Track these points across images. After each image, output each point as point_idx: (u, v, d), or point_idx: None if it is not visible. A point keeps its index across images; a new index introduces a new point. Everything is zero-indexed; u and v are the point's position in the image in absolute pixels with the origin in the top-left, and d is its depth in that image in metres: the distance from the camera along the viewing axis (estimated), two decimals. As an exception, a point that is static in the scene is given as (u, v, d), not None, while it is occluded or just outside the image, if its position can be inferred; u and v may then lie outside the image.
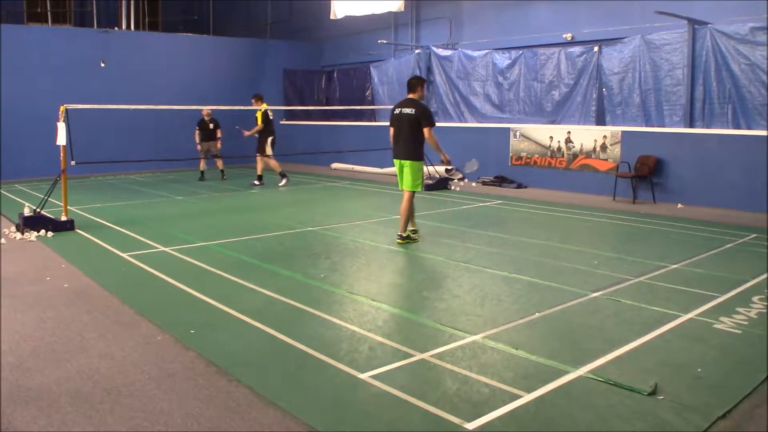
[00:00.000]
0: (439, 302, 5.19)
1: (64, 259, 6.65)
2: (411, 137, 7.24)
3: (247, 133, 13.43)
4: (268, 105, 13.41)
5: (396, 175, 7.65)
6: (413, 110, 7.19)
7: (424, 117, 7.19)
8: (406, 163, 7.35)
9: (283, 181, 13.37)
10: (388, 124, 7.55)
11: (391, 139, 7.46)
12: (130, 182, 14.20)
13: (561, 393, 3.46)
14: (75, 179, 13.07)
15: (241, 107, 14.02)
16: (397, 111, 7.34)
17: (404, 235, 7.42)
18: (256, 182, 13.40)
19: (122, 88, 15.53)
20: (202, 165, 14.57)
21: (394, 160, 7.49)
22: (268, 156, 13.19)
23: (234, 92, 17.35)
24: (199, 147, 14.25)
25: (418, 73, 15.87)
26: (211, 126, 14.26)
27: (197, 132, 14.22)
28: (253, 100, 13.27)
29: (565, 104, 12.91)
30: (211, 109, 14.15)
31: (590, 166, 12.18)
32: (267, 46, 19.44)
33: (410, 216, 7.49)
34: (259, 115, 13.13)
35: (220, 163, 14.68)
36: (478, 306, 5.07)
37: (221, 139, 14.39)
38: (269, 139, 13.14)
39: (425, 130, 7.18)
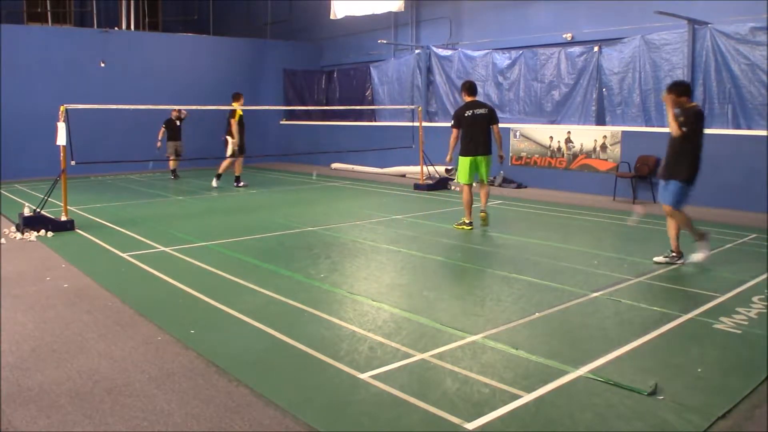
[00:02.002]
0: (439, 302, 5.19)
1: (64, 259, 6.65)
2: (487, 134, 8.16)
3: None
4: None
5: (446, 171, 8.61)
6: (486, 110, 8.18)
7: (495, 116, 8.30)
8: (486, 158, 8.19)
9: (215, 183, 12.92)
10: (451, 125, 8.21)
11: (455, 140, 8.20)
12: (130, 182, 14.20)
13: (561, 393, 3.46)
14: (75, 179, 13.07)
15: (242, 107, 14.00)
16: (469, 113, 8.12)
17: (468, 221, 8.25)
18: (242, 183, 13.05)
19: (122, 88, 15.54)
20: (172, 164, 14.63)
21: (470, 158, 8.13)
22: (234, 157, 12.76)
23: (234, 92, 17.33)
24: (169, 143, 14.24)
25: (418, 73, 15.90)
26: (178, 123, 14.36)
27: (163, 130, 14.21)
28: (240, 102, 12.70)
29: (565, 104, 12.91)
30: (212, 109, 14.15)
31: (590, 166, 12.17)
32: (267, 46, 19.44)
33: (471, 205, 8.27)
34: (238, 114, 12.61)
35: (175, 163, 14.64)
36: (478, 306, 5.07)
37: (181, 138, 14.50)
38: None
39: (495, 127, 8.21)
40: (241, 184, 13.06)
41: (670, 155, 6.34)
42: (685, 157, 6.21)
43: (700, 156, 6.30)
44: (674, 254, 6.42)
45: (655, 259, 6.46)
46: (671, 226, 6.42)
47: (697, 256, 6.33)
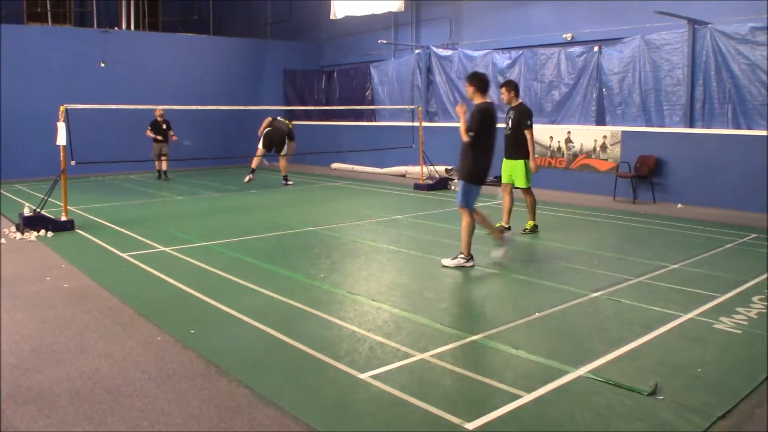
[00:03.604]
0: (439, 302, 5.19)
1: (64, 259, 6.65)
2: None
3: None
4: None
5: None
6: None
7: None
8: None
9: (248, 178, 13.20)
10: (530, 124, 7.87)
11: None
12: (130, 182, 14.21)
13: (561, 393, 3.47)
14: (75, 179, 13.06)
15: (241, 107, 14.01)
16: None
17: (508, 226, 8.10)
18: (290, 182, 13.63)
19: (122, 88, 15.53)
20: (158, 165, 14.53)
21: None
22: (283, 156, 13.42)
23: (234, 92, 17.35)
24: (158, 138, 14.17)
25: (418, 73, 15.91)
26: (164, 126, 14.21)
27: (149, 131, 14.16)
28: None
29: (565, 104, 12.91)
30: (212, 109, 14.13)
31: (590, 166, 12.18)
32: (267, 46, 19.45)
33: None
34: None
35: (164, 164, 14.55)
36: (478, 306, 5.07)
37: (173, 135, 14.39)
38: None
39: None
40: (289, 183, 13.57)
41: (460, 154, 6.31)
42: (467, 156, 6.19)
43: (486, 155, 6.22)
44: (462, 255, 6.31)
45: (443, 261, 6.36)
46: (464, 226, 6.33)
47: (496, 253, 6.37)
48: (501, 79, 13.92)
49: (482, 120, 6.08)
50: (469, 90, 6.27)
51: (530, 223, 8.12)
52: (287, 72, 19.45)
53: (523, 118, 7.77)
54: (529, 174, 7.95)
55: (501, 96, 8.03)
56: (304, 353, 4.02)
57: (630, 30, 11.98)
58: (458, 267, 6.23)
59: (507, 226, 8.09)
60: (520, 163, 7.89)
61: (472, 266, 6.25)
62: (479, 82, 6.21)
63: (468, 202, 6.25)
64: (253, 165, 13.13)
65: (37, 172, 13.51)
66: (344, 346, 4.15)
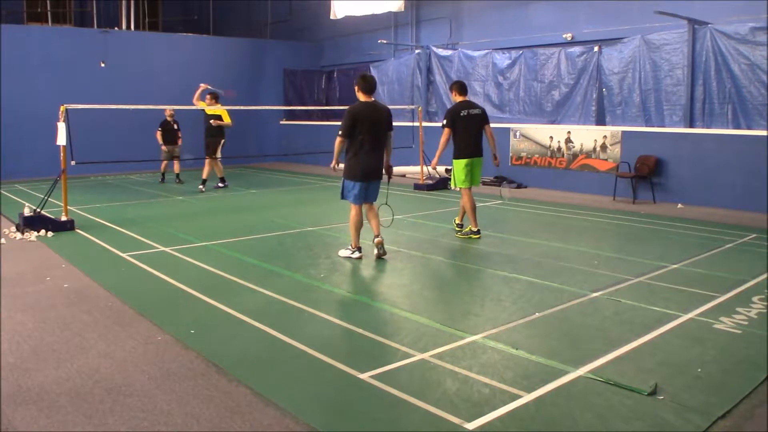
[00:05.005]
0: (439, 302, 5.19)
1: (64, 259, 6.65)
2: (480, 136, 7.79)
3: (217, 122, 12.33)
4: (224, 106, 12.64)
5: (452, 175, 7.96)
6: (479, 111, 7.78)
7: (487, 116, 7.90)
8: (480, 159, 7.83)
9: (221, 185, 12.80)
10: (443, 124, 7.72)
11: (447, 142, 7.73)
12: (130, 182, 14.20)
13: (561, 393, 3.46)
14: (75, 179, 13.06)
15: (242, 107, 13.99)
16: (464, 113, 7.66)
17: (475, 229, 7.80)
18: (221, 184, 12.80)
19: (122, 88, 15.52)
20: (164, 167, 14.12)
21: (466, 160, 7.70)
22: (217, 158, 12.51)
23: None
24: (163, 148, 13.72)
25: (418, 73, 15.90)
26: (175, 127, 13.76)
27: (159, 133, 13.67)
28: (211, 99, 12.32)
29: (565, 104, 12.91)
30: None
31: (590, 166, 12.17)
32: (267, 46, 19.45)
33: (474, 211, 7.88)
34: (225, 114, 12.35)
35: (177, 167, 14.05)
36: (478, 306, 5.07)
37: (181, 139, 13.93)
38: (222, 142, 12.46)
39: (489, 128, 7.83)
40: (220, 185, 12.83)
41: None
42: (347, 154, 6.43)
43: (363, 153, 6.35)
44: (350, 248, 6.66)
45: (340, 252, 6.78)
46: (352, 221, 6.63)
47: (343, 251, 6.69)
48: (501, 79, 14.04)
49: (351, 120, 6.24)
50: (356, 88, 6.49)
51: (454, 221, 8.06)
52: (287, 72, 19.45)
53: (444, 117, 7.78)
54: (458, 173, 7.70)
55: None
56: (304, 353, 4.02)
57: (630, 30, 11.98)
58: (347, 258, 6.59)
59: (476, 228, 7.74)
60: (453, 162, 7.79)
61: (359, 258, 6.56)
62: (362, 82, 6.42)
63: (348, 197, 6.56)
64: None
65: (37, 172, 13.52)
66: (344, 346, 4.15)
